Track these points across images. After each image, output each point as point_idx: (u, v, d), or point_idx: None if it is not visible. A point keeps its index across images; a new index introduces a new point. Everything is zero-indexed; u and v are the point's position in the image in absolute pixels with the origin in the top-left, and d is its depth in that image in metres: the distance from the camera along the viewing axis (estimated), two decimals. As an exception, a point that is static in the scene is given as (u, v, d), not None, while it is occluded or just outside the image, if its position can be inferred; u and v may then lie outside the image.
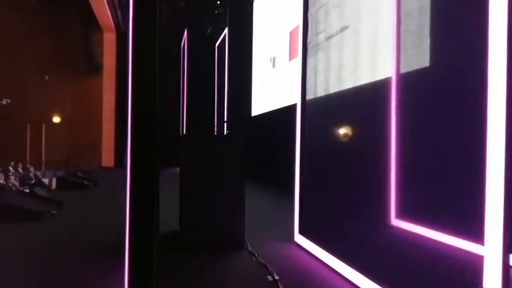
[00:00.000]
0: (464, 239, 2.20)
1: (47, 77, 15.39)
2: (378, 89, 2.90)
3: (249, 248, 4.12)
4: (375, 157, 2.89)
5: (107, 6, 14.00)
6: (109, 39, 16.85)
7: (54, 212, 6.20)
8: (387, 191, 2.73)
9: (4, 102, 14.65)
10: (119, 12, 15.19)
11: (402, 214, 2.65)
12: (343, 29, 3.51)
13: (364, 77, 3.17)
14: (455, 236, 2.24)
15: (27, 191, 7.69)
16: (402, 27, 2.72)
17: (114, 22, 15.88)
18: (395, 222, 2.70)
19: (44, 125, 15.02)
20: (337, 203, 3.54)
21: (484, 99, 2.05)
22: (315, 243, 3.89)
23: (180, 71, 15.70)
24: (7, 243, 4.57)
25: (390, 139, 2.71)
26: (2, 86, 14.71)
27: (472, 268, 2.12)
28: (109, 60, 16.83)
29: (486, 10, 2.09)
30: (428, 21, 2.51)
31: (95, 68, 16.39)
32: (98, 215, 6.28)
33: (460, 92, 2.26)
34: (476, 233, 2.11)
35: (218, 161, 4.31)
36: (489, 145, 2.06)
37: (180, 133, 15.44)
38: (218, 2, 11.85)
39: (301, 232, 4.27)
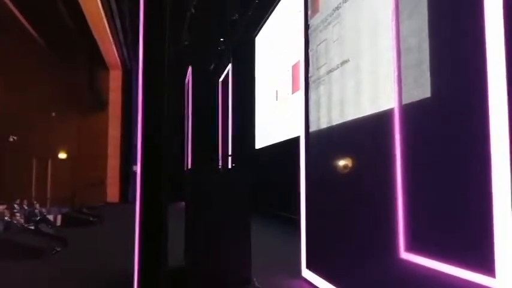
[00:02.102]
0: (476, 271, 2.16)
1: (53, 114, 15.60)
2: (381, 119, 2.92)
3: (256, 284, 4.04)
4: (381, 187, 2.88)
5: (113, 45, 14.32)
6: (115, 76, 17.17)
7: (58, 249, 6.15)
8: (395, 223, 2.70)
9: (11, 139, 14.79)
10: (124, 50, 15.53)
11: (411, 247, 2.61)
12: (344, 63, 3.58)
13: (367, 108, 3.20)
14: (466, 269, 2.20)
15: (32, 227, 7.65)
16: (402, 61, 2.77)
17: (120, 60, 16.22)
18: (405, 255, 2.66)
19: (49, 161, 15.11)
20: (344, 237, 3.49)
21: (488, 126, 2.07)
22: (322, 278, 3.82)
23: (184, 107, 15.92)
24: (11, 280, 4.51)
25: (396, 168, 2.71)
26: (9, 123, 14.91)
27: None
28: (114, 96, 17.08)
29: (483, 42, 2.14)
30: (427, 55, 2.57)
31: (101, 105, 16.61)
32: (103, 252, 6.21)
33: (468, 119, 2.28)
34: (488, 266, 2.08)
35: (223, 195, 4.30)
36: (495, 172, 2.06)
37: (185, 168, 15.48)
38: (221, 39, 12.14)
39: (308, 267, 4.20)
